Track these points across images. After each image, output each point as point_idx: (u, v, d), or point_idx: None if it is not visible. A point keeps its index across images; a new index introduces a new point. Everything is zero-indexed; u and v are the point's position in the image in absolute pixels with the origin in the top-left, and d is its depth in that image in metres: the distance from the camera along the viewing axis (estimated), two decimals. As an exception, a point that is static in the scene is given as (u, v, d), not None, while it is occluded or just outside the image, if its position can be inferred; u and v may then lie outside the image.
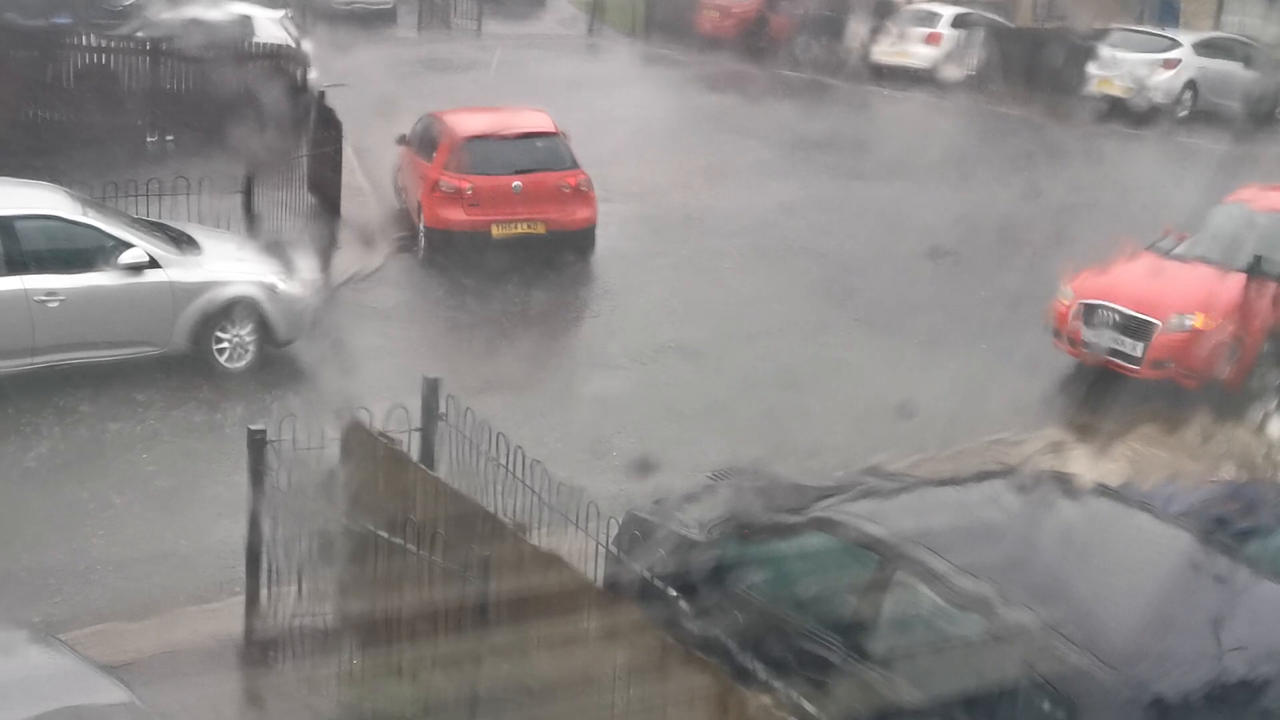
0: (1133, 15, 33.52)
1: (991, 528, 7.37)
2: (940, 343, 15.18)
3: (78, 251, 13.34)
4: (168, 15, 25.78)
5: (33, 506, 11.20)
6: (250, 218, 16.99)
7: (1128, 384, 13.60)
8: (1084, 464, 10.39)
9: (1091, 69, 29.38)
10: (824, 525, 7.58)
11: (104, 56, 22.35)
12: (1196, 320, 13.49)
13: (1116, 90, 28.80)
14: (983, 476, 8.42)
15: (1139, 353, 13.57)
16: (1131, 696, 6.27)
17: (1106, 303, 13.89)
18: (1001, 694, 6.54)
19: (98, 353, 13.29)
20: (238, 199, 17.09)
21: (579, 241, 17.82)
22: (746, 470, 9.39)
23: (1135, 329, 13.62)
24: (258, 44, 24.03)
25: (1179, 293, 13.80)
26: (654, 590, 7.62)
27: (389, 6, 39.84)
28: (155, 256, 13.57)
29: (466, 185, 17.45)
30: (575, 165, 17.93)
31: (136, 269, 13.40)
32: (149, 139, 20.87)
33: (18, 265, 13.03)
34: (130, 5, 30.11)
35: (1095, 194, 20.57)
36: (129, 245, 13.43)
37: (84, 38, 22.54)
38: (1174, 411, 12.75)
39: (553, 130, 18.27)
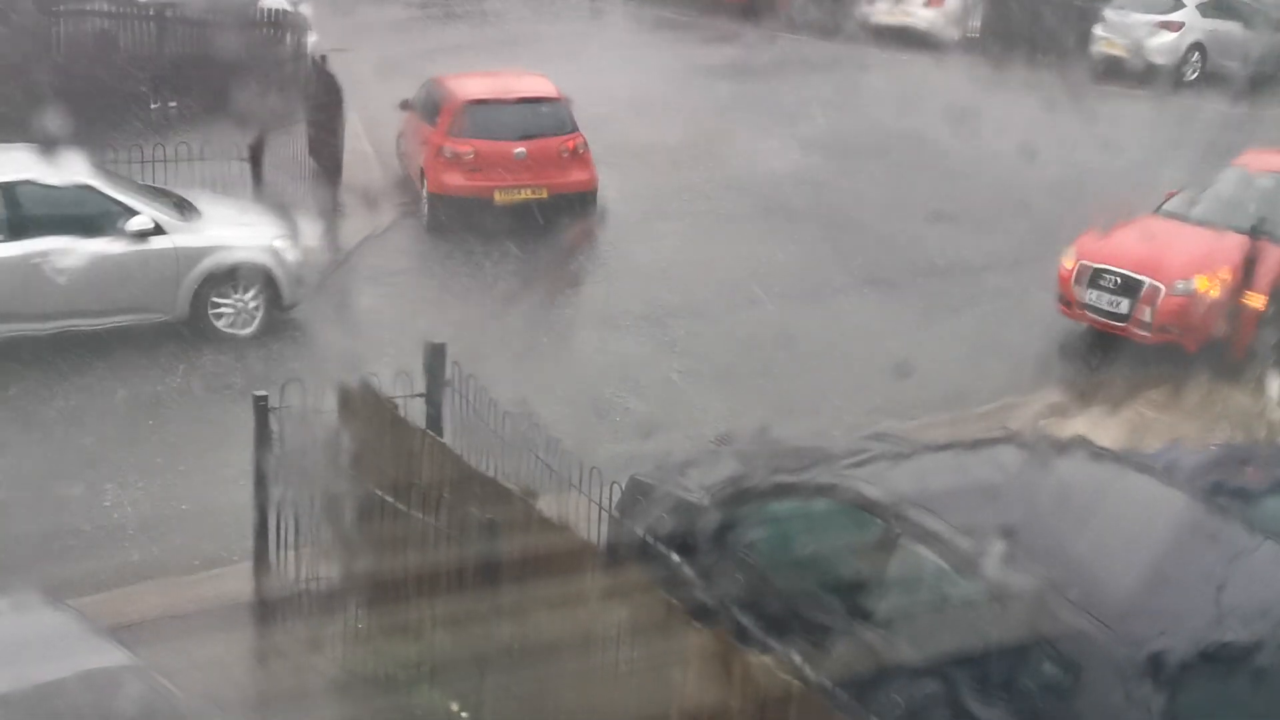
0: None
1: (992, 491, 7.41)
2: (944, 306, 15.20)
3: (79, 217, 13.35)
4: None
5: (41, 471, 11.26)
6: (253, 183, 16.98)
7: (1130, 347, 13.62)
8: (1086, 427, 10.42)
9: (1097, 30, 29.25)
10: (826, 489, 7.62)
11: (107, 21, 22.30)
12: (1199, 283, 13.50)
13: (1121, 52, 28.65)
14: (984, 441, 8.45)
15: (1143, 316, 13.57)
16: (1130, 656, 6.32)
17: (1109, 266, 13.88)
18: (1001, 655, 6.60)
19: (103, 320, 13.33)
20: (239, 165, 17.08)
21: (581, 205, 17.83)
22: (749, 434, 9.44)
23: (1138, 292, 13.62)
24: (259, 9, 23.95)
25: (1181, 256, 13.80)
26: (656, 553, 7.67)
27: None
28: (160, 222, 13.59)
29: (469, 150, 17.43)
30: (575, 129, 17.91)
31: (141, 235, 13.42)
32: (152, 105, 20.83)
33: (20, 230, 13.05)
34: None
35: (1099, 157, 20.51)
36: (133, 211, 13.45)
37: (88, 3, 22.48)
38: (1176, 374, 12.78)
39: (555, 95, 18.24)
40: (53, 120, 13.26)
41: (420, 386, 9.08)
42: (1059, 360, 14.14)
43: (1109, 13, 29.39)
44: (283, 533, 8.77)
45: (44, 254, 13.07)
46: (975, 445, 8.40)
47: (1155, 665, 6.31)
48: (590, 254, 17.53)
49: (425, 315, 14.95)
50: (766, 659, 6.17)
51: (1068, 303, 14.24)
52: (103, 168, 14.51)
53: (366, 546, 8.32)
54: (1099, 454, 8.11)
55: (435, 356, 9.26)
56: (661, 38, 34.79)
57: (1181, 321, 13.43)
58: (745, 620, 7.25)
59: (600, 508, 8.15)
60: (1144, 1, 29.54)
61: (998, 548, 6.65)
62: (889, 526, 7.12)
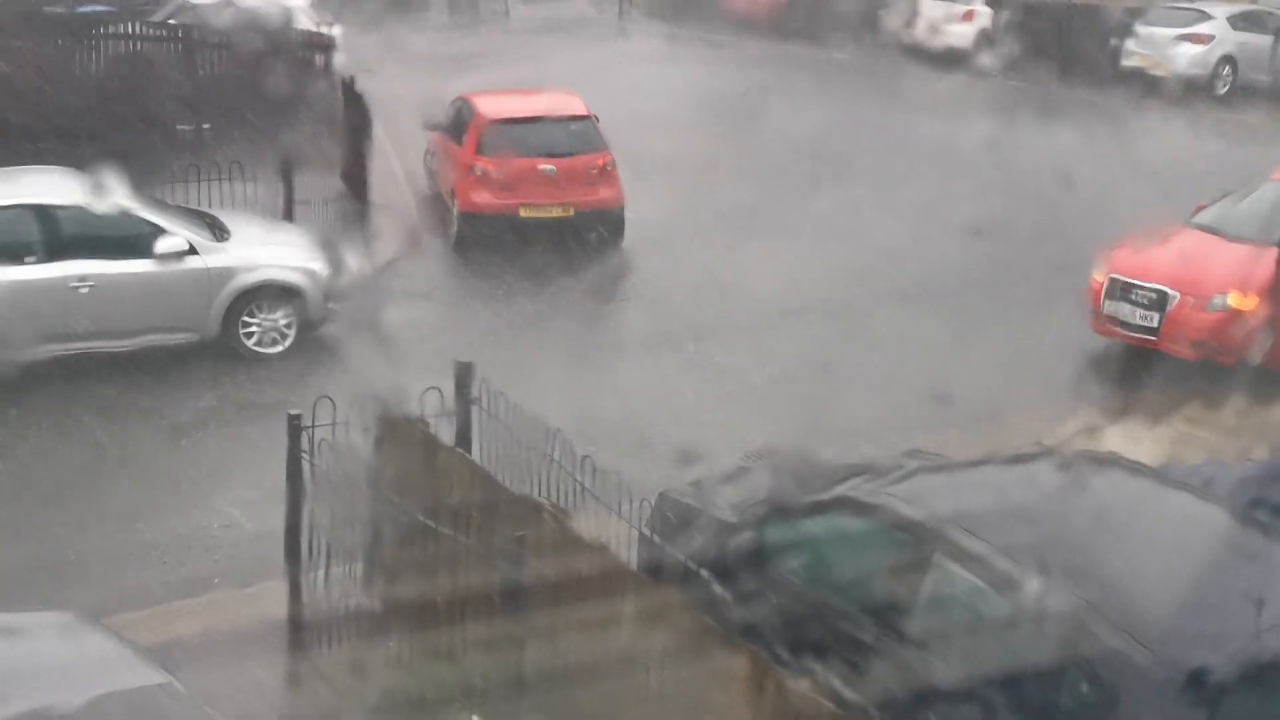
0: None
1: (1029, 509, 7.35)
2: (979, 322, 15.11)
3: (111, 239, 13.41)
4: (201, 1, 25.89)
5: (70, 494, 11.30)
6: (283, 203, 17.03)
7: (1164, 362, 13.52)
8: (1121, 443, 10.33)
9: (1128, 45, 29.16)
10: (860, 508, 7.57)
11: (139, 43, 22.45)
12: (1232, 299, 13.39)
13: (1152, 66, 28.54)
14: (1020, 457, 8.39)
15: (1176, 330, 13.47)
16: (1170, 676, 6.25)
17: (1142, 281, 13.79)
18: (1039, 675, 6.54)
19: (136, 340, 13.38)
20: (269, 185, 17.13)
21: (609, 223, 17.81)
22: (781, 451, 9.39)
23: (1169, 307, 13.52)
24: (288, 30, 24.07)
25: (1215, 271, 13.70)
26: (687, 572, 7.63)
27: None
28: (192, 243, 13.64)
29: (497, 168, 17.45)
30: (604, 147, 17.91)
31: (173, 256, 13.48)
32: (183, 126, 20.93)
33: (55, 252, 13.12)
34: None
35: (1132, 171, 20.41)
36: (163, 231, 13.51)
37: (120, 25, 22.64)
38: (1211, 390, 12.67)
39: (584, 113, 18.24)
40: (86, 142, 13.33)
41: (450, 404, 9.07)
42: (1091, 375, 14.04)
43: (1139, 27, 29.30)
44: (315, 552, 8.76)
45: (78, 275, 13.13)
46: (1011, 462, 8.34)
47: (1195, 685, 6.25)
48: (619, 272, 17.52)
49: (454, 333, 14.96)
50: (803, 681, 6.13)
51: (1099, 317, 14.15)
52: (136, 189, 14.57)
53: (399, 566, 8.31)
54: (1135, 470, 8.05)
55: (464, 375, 9.26)
56: (691, 55, 34.81)
57: (1216, 336, 13.32)
58: (780, 641, 7.20)
59: (631, 525, 8.11)
60: (1173, 16, 29.46)
61: (1035, 567, 6.59)
62: (925, 545, 7.07)
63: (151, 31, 23.03)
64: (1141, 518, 7.44)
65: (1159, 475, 8.17)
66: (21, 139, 17.88)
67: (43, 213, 13.22)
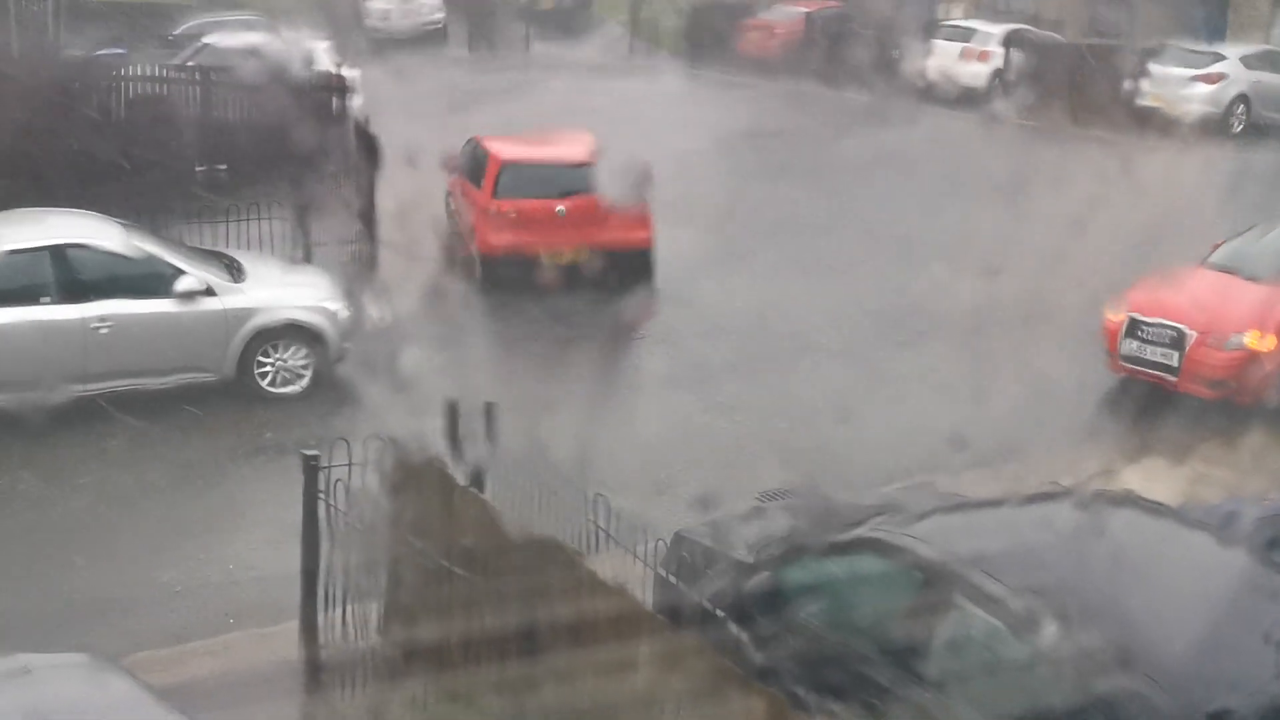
0: (1183, 30, 33.28)
1: (1047, 549, 7.32)
2: (995, 361, 15.07)
3: (130, 279, 13.48)
4: (219, 43, 26.11)
5: (87, 534, 11.32)
6: (299, 244, 17.11)
7: (1181, 402, 13.49)
8: (1139, 483, 10.30)
9: (1143, 84, 29.22)
10: (876, 546, 7.55)
11: (156, 86, 22.62)
12: (1250, 338, 13.37)
13: (1167, 105, 28.59)
14: (1038, 497, 8.36)
15: (1193, 369, 13.44)
16: (1189, 718, 6.21)
17: (1158, 319, 13.78)
18: (1057, 717, 6.50)
19: (152, 380, 13.44)
20: (285, 225, 17.22)
21: (636, 263, 17.81)
22: (796, 491, 9.38)
23: (1189, 346, 13.49)
24: (305, 72, 24.23)
25: (1233, 310, 13.69)
26: (704, 614, 7.61)
27: (439, 27, 40.13)
28: (209, 283, 13.71)
29: (515, 210, 17.50)
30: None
31: (191, 296, 13.55)
32: (198, 168, 21.05)
33: (71, 294, 13.19)
34: (181, 34, 30.52)
35: (1147, 210, 20.41)
36: (181, 272, 13.58)
37: (137, 68, 22.82)
38: (1229, 430, 12.63)
39: (598, 155, 18.28)
40: (105, 184, 13.41)
41: (467, 445, 9.08)
42: (1107, 414, 14.01)
43: (1154, 67, 29.36)
44: (331, 593, 8.76)
45: (98, 316, 13.20)
46: (1027, 501, 8.31)
47: (1214, 728, 6.21)
48: (637, 312, 17.52)
49: (473, 374, 14.98)
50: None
51: (1116, 357, 14.13)
52: (153, 230, 14.67)
53: (416, 608, 8.30)
54: (1153, 510, 8.02)
55: (482, 415, 9.27)
56: (706, 94, 34.96)
57: (1233, 376, 13.30)
58: (798, 683, 7.17)
59: (647, 566, 8.09)
60: (1187, 56, 29.53)
61: (1054, 608, 6.56)
62: (944, 586, 7.04)
63: (170, 74, 23.20)
64: (1160, 558, 7.41)
65: (1177, 515, 8.14)
66: (42, 181, 18.01)
67: (63, 254, 13.31)
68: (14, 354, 12.81)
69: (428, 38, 38.95)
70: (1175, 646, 6.57)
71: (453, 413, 9.25)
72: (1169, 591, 7.02)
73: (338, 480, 8.55)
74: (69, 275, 13.27)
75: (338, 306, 14.31)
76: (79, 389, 13.05)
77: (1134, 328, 13.89)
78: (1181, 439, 12.75)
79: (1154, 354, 13.74)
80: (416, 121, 22.42)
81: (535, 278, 17.08)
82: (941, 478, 10.04)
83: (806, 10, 38.53)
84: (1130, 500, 8.10)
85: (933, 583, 7.11)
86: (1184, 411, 13.36)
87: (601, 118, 23.59)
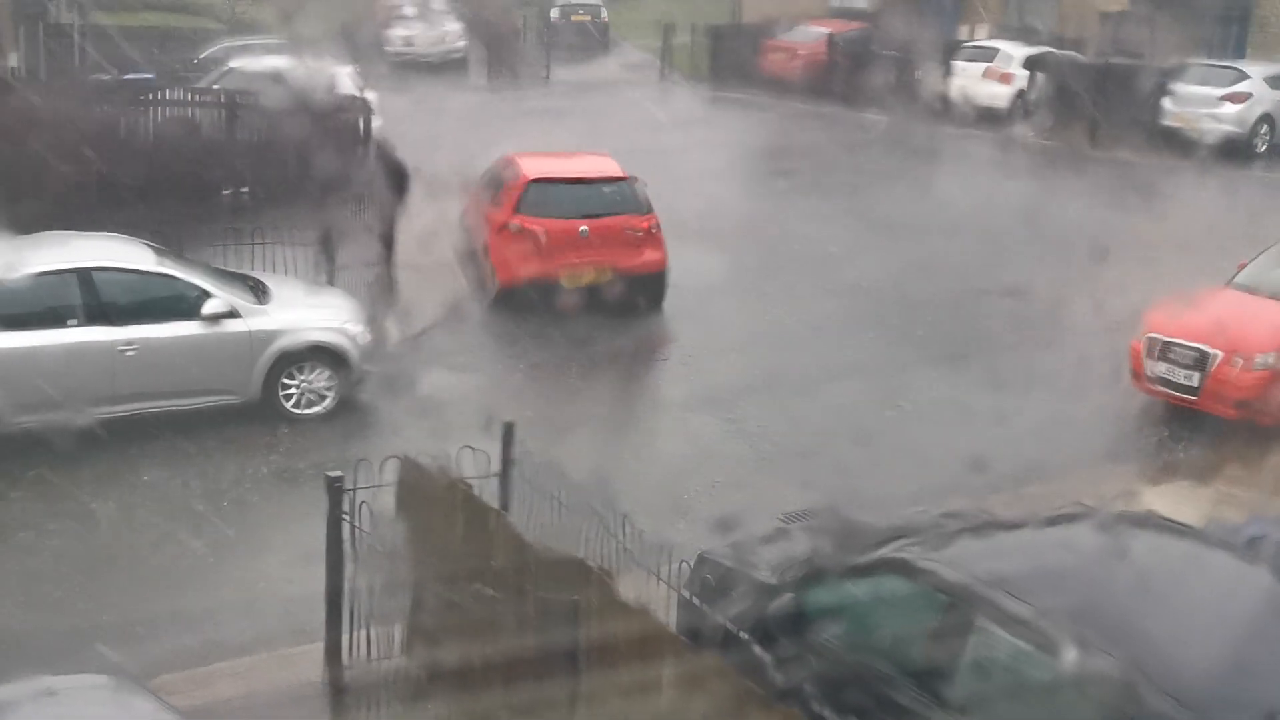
0: (1204, 49, 33.23)
1: (1071, 570, 7.29)
2: (1017, 382, 15.07)
3: (157, 302, 13.57)
4: (244, 67, 26.28)
5: (112, 555, 11.38)
6: (322, 265, 17.19)
7: (1206, 422, 13.45)
8: (1162, 503, 10.26)
9: (1166, 104, 29.21)
10: (900, 569, 7.54)
11: (181, 110, 22.78)
12: (1275, 358, 13.32)
13: (1190, 125, 28.55)
14: (1061, 518, 8.34)
15: (1217, 390, 13.40)
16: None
17: (1183, 340, 13.74)
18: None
19: (178, 402, 13.51)
20: (309, 248, 17.30)
21: (650, 285, 17.84)
22: (819, 512, 9.37)
23: (1212, 367, 13.46)
24: (328, 95, 24.38)
25: (1257, 330, 13.65)
26: (727, 635, 7.60)
27: (460, 55, 40.37)
28: (234, 306, 13.78)
29: (535, 229, 17.53)
30: (648, 209, 17.96)
31: (216, 319, 13.62)
32: (224, 191, 21.19)
33: (98, 316, 13.27)
34: (206, 58, 30.74)
35: (1171, 230, 20.38)
36: (208, 294, 13.65)
37: (163, 92, 22.99)
38: (1254, 450, 12.58)
39: (620, 175, 18.32)
40: (131, 207, 13.48)
41: (488, 466, 9.10)
42: (1132, 435, 13.98)
43: (1177, 87, 29.34)
44: (355, 614, 8.78)
45: (124, 339, 13.28)
46: (1051, 523, 8.28)
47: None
48: (656, 334, 17.55)
49: (492, 394, 15.02)
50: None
51: (1141, 377, 14.09)
52: (179, 253, 14.76)
53: (440, 629, 8.31)
54: (1177, 530, 7.99)
55: (504, 436, 9.29)
56: (730, 116, 35.01)
57: (1258, 396, 13.24)
58: (822, 704, 7.16)
59: (671, 587, 8.09)
60: (1211, 75, 29.50)
61: (1078, 629, 6.54)
62: (968, 608, 7.02)
63: (195, 98, 23.37)
64: (1184, 579, 7.38)
65: (1201, 535, 8.11)
66: (69, 205, 18.14)
67: (90, 277, 13.37)
68: (41, 376, 12.86)
69: (448, 65, 39.17)
70: (1200, 668, 6.53)
71: (506, 432, 9.28)
72: (1193, 612, 6.98)
73: (361, 502, 8.58)
74: (96, 298, 13.33)
75: (359, 329, 14.37)
76: (106, 411, 13.11)
77: (1160, 349, 13.85)
78: (1205, 459, 12.73)
79: (1178, 374, 13.70)
80: (436, 145, 22.59)
81: (553, 298, 17.11)
82: (965, 500, 10.01)
83: (829, 31, 38.61)
84: (1153, 521, 8.07)
85: (957, 604, 7.09)
86: (1208, 432, 13.32)
87: (623, 139, 23.68)
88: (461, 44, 40.51)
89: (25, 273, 13.20)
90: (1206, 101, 28.70)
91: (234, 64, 27.37)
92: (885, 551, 7.73)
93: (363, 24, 38.81)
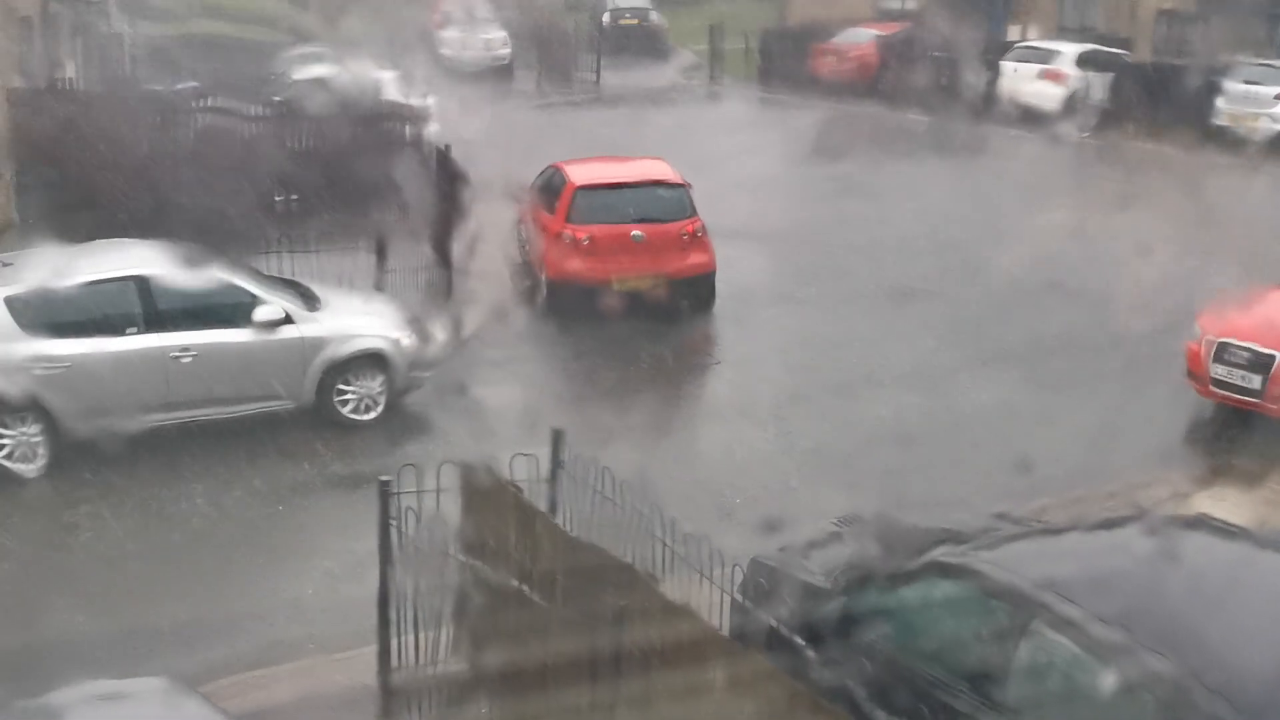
0: (1253, 47, 32.90)
1: (1124, 573, 7.23)
2: (1072, 385, 14.96)
3: (212, 309, 13.67)
4: (304, 76, 26.50)
5: (169, 560, 11.48)
6: (375, 273, 17.28)
7: (1263, 424, 13.29)
8: (1221, 507, 10.16)
9: (1219, 103, 28.98)
10: (954, 573, 7.50)
11: (232, 118, 22.93)
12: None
13: (1244, 123, 28.31)
14: (1114, 521, 8.27)
15: (1277, 392, 13.23)
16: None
17: (1240, 341, 13.57)
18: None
19: (234, 408, 13.59)
20: (361, 255, 17.39)
21: (699, 289, 17.84)
22: (872, 516, 9.33)
23: (1276, 368, 13.28)
24: (379, 103, 24.53)
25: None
26: (781, 639, 7.58)
27: (506, 62, 40.53)
28: (288, 312, 13.86)
29: (587, 235, 17.55)
30: (693, 212, 17.95)
31: (270, 325, 13.70)
32: (276, 199, 21.34)
33: (152, 323, 13.37)
34: (276, 67, 30.94)
35: (1229, 229, 20.18)
36: (261, 301, 13.73)
37: (211, 100, 23.17)
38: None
39: (674, 179, 18.30)
40: (184, 215, 13.58)
41: (538, 471, 9.11)
42: (1189, 437, 13.85)
43: (1229, 85, 29.13)
44: (405, 618, 8.81)
45: (180, 345, 13.37)
46: (1104, 525, 8.22)
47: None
48: (707, 339, 17.54)
49: (544, 400, 15.05)
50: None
51: (1196, 378, 13.94)
52: (231, 260, 14.86)
53: (490, 632, 8.33)
54: (1232, 533, 7.90)
55: (556, 442, 9.31)
56: (782, 118, 34.95)
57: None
58: (875, 708, 7.13)
59: (723, 591, 8.08)
60: (1263, 73, 29.27)
61: (1132, 633, 6.48)
62: (1021, 611, 6.97)
63: (245, 107, 23.53)
64: (1239, 582, 7.29)
65: (1256, 538, 8.01)
66: (122, 213, 18.35)
67: (144, 284, 13.47)
68: (97, 383, 12.99)
69: (494, 71, 39.32)
70: (1255, 673, 6.46)
71: (555, 437, 9.30)
72: (1246, 616, 6.90)
73: (407, 507, 8.61)
74: (150, 305, 13.43)
75: (409, 334, 14.43)
76: (162, 418, 13.22)
77: (1215, 350, 13.67)
78: (1264, 461, 12.59)
79: (1237, 377, 13.52)
80: (487, 151, 22.66)
81: (605, 303, 17.11)
82: (1015, 502, 9.95)
83: (879, 34, 38.51)
84: (1208, 524, 7.99)
85: (1011, 608, 7.04)
86: (1267, 433, 13.16)
87: (676, 143, 23.69)
88: (506, 50, 40.66)
89: (82, 280, 13.32)
90: (1260, 100, 28.48)
91: (297, 74, 27.60)
92: (937, 554, 7.69)
93: (414, 32, 39.06)
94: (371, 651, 9.18)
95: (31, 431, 12.86)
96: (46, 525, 12.13)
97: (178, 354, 13.37)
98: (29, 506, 12.51)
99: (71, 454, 12.85)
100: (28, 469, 12.83)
